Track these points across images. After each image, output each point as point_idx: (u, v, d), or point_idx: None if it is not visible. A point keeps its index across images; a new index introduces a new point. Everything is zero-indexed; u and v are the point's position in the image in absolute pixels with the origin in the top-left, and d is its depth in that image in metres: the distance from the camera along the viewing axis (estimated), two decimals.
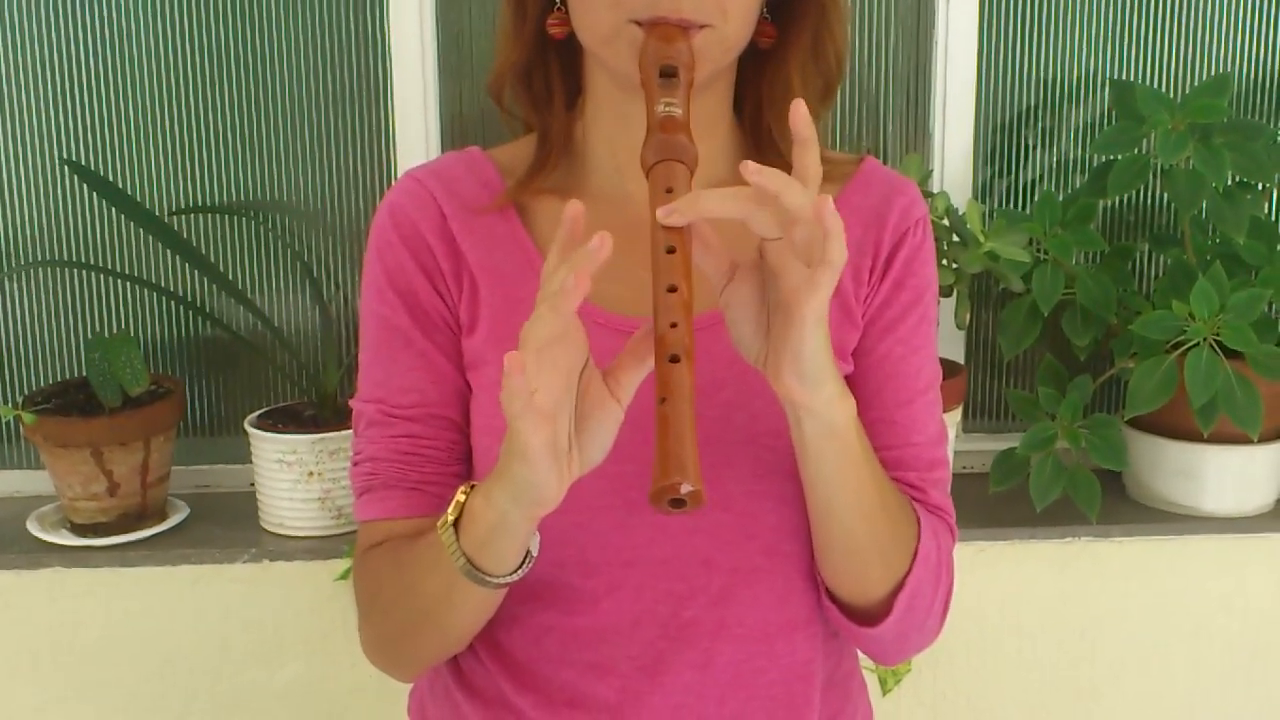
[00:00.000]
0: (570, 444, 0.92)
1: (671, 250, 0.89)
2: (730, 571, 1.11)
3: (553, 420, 0.89)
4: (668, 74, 1.01)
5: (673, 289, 0.88)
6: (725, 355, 1.01)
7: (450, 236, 1.14)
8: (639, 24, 1.03)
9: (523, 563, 1.02)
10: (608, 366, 0.93)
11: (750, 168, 0.87)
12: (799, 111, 0.90)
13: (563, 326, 0.87)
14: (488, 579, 1.00)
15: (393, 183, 1.21)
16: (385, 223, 1.16)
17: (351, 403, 1.18)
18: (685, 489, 0.83)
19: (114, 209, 2.22)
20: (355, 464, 1.17)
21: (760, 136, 1.18)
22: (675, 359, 0.86)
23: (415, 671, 1.21)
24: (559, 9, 1.12)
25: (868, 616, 1.13)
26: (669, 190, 0.92)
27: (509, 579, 1.01)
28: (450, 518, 1.00)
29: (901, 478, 1.14)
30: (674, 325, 0.87)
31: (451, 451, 1.15)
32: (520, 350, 0.86)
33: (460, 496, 1.01)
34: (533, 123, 1.19)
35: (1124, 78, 2.32)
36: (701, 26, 1.03)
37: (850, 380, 1.13)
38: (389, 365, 1.15)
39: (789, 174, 1.16)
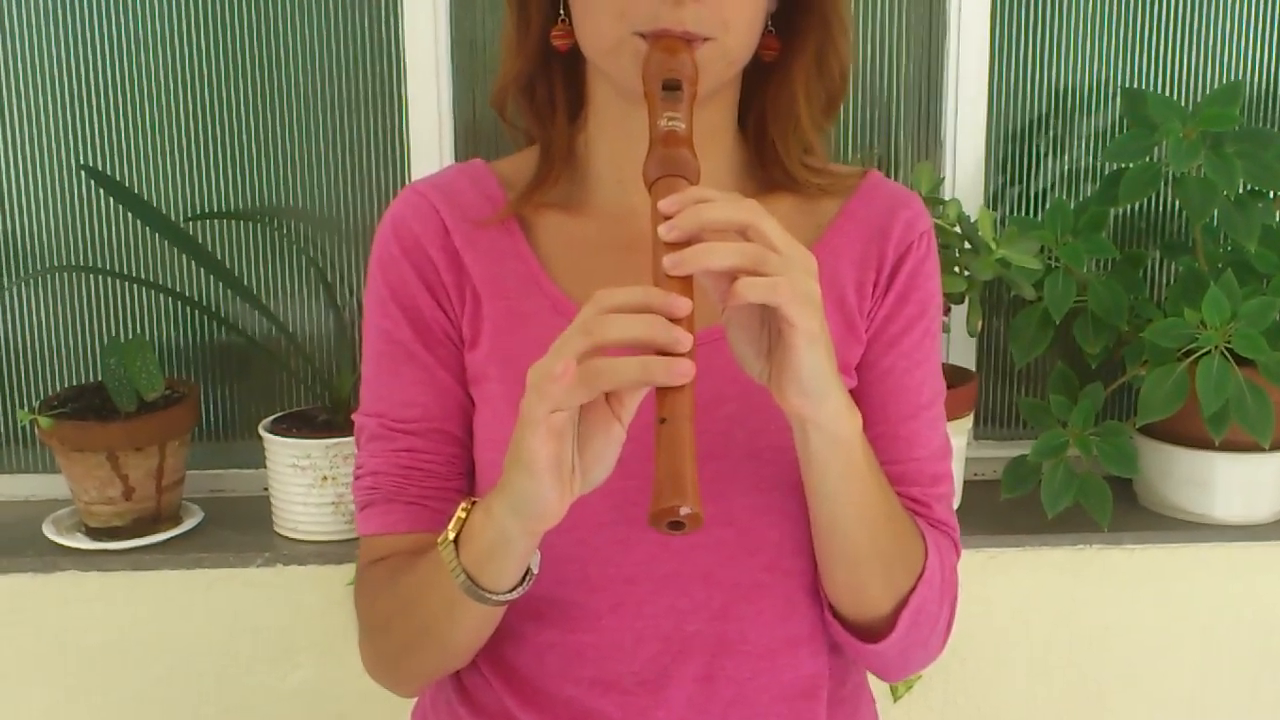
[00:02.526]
0: (573, 463, 0.92)
1: None
2: (732, 587, 1.11)
3: (561, 437, 0.90)
4: (671, 87, 1.01)
5: None
6: (728, 370, 1.01)
7: (453, 250, 1.15)
8: (642, 36, 1.03)
9: (523, 580, 1.02)
10: None
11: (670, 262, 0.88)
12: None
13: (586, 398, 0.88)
14: (488, 596, 1.00)
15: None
16: (388, 236, 1.16)
17: (354, 416, 1.18)
18: (684, 511, 0.83)
19: (130, 215, 2.23)
20: (357, 478, 1.17)
21: (764, 150, 1.18)
22: None
23: (415, 687, 1.21)
24: (563, 21, 1.12)
25: (871, 632, 1.13)
26: None
27: (509, 596, 1.02)
28: (451, 534, 1.01)
29: (905, 493, 1.14)
30: None
31: (452, 466, 1.15)
32: (551, 356, 0.88)
33: (461, 513, 1.01)
34: (536, 135, 1.19)
35: (1136, 86, 2.31)
36: (705, 39, 1.03)
37: (854, 395, 1.13)
38: (391, 379, 1.15)
39: (794, 184, 1.17)
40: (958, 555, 1.18)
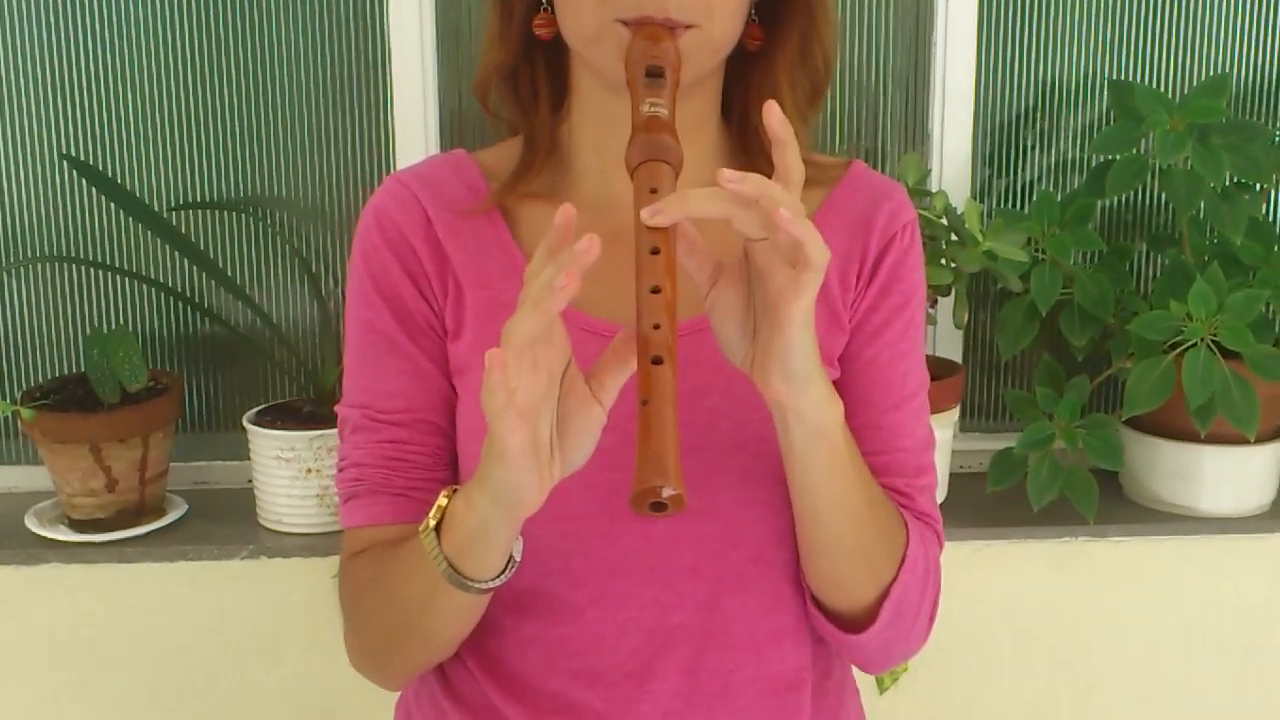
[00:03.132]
0: (552, 446, 0.92)
1: (655, 251, 0.88)
2: (716, 579, 1.11)
3: (532, 421, 0.89)
4: (654, 74, 1.00)
5: (656, 290, 0.87)
6: (711, 361, 1.01)
7: (435, 240, 1.14)
8: (625, 24, 1.02)
9: (505, 568, 1.01)
10: (590, 369, 0.93)
11: (726, 175, 0.86)
12: (773, 112, 0.90)
13: (546, 326, 0.87)
14: (470, 584, 1.00)
15: None
16: (370, 226, 1.16)
17: (337, 408, 1.18)
18: (666, 492, 0.82)
19: (113, 204, 2.23)
20: (340, 470, 1.16)
21: (748, 139, 1.17)
22: (658, 360, 0.86)
23: (401, 680, 1.20)
24: (545, 9, 1.11)
25: (853, 623, 1.12)
26: (653, 190, 0.91)
27: (492, 584, 1.01)
28: (432, 522, 1.00)
29: (888, 484, 1.14)
30: (657, 327, 0.87)
31: (437, 457, 1.14)
32: (502, 348, 0.86)
33: (442, 500, 1.00)
34: (519, 125, 1.18)
35: (1123, 78, 2.31)
36: (688, 26, 1.02)
37: (837, 386, 1.12)
38: (374, 370, 1.14)
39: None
40: (940, 547, 1.18)
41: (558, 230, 0.89)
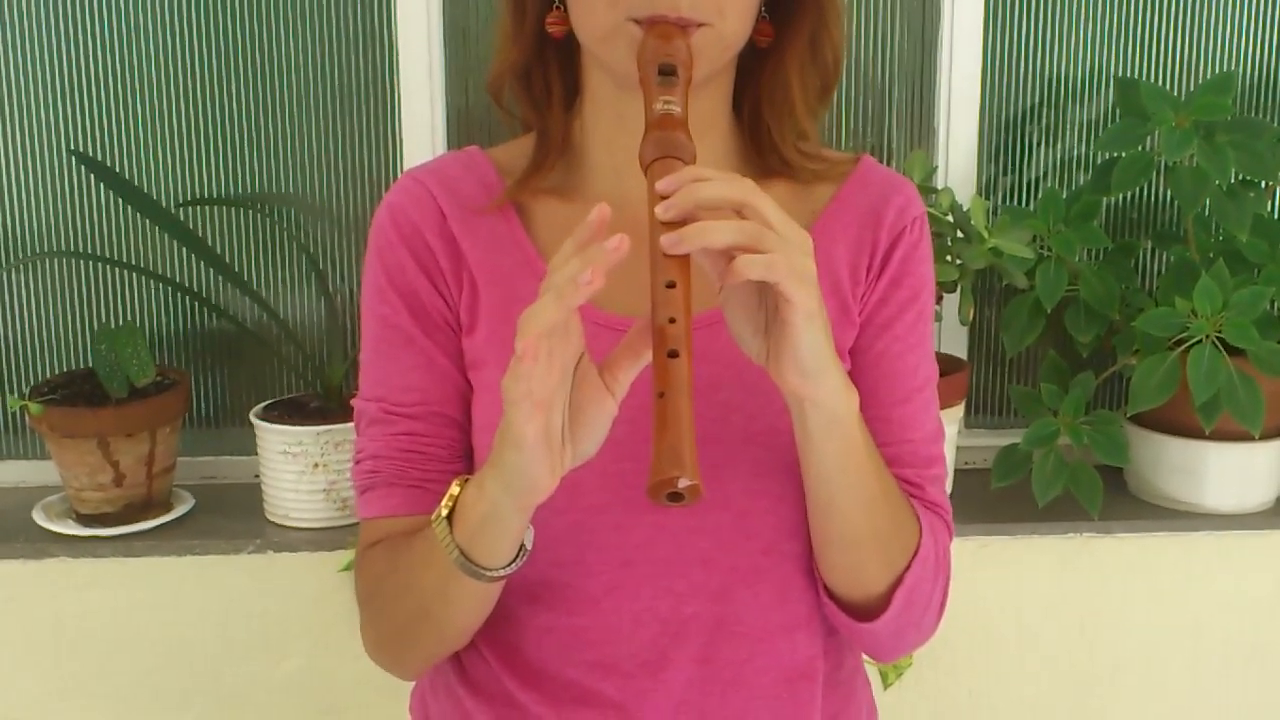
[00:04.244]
0: (564, 436, 0.93)
1: None
2: (729, 570, 1.12)
3: (547, 410, 0.91)
4: (666, 72, 1.01)
5: (671, 284, 0.89)
6: (724, 354, 1.02)
7: (450, 236, 1.15)
8: (637, 22, 1.03)
9: (517, 556, 1.03)
10: (604, 360, 0.94)
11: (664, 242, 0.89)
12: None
13: (564, 317, 0.88)
14: (482, 572, 1.01)
15: (397, 177, 1.22)
16: (385, 223, 1.17)
17: (353, 401, 1.19)
18: (683, 483, 0.83)
19: (121, 201, 2.23)
20: (357, 462, 1.17)
21: (759, 135, 1.18)
22: (674, 354, 0.87)
23: (417, 669, 1.22)
24: (558, 8, 1.12)
25: (865, 612, 1.13)
26: None
27: (503, 572, 1.02)
28: (444, 511, 1.01)
29: (899, 474, 1.14)
30: (673, 320, 0.88)
31: (452, 449, 1.15)
32: (518, 336, 0.87)
33: (454, 489, 1.02)
34: (532, 122, 1.19)
35: (1128, 75, 2.32)
36: (699, 25, 1.03)
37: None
38: (390, 364, 1.15)
39: (789, 170, 1.18)
40: (950, 536, 1.20)
41: (589, 226, 0.90)
